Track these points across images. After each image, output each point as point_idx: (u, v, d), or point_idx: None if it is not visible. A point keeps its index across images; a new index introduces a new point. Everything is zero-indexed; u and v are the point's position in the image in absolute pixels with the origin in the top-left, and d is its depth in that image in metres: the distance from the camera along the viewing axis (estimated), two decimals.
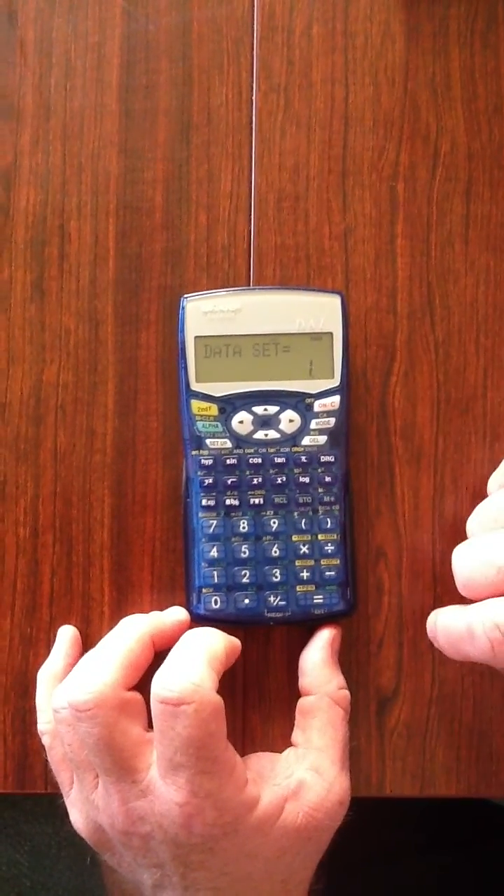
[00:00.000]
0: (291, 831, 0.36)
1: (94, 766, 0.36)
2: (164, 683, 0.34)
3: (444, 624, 0.35)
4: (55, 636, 0.41)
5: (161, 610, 0.41)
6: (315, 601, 0.40)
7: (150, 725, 0.36)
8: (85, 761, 0.37)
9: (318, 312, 0.40)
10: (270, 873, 0.36)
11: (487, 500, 0.38)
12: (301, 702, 0.40)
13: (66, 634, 0.41)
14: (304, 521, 0.40)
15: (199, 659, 0.35)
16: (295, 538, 0.40)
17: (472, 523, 0.37)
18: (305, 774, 0.37)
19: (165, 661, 0.36)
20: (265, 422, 0.40)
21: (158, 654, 0.38)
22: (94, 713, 0.35)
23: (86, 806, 0.38)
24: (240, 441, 0.40)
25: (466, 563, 0.35)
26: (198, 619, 0.40)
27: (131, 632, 0.38)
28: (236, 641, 0.38)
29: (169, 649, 0.37)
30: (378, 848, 0.59)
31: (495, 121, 0.43)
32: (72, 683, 0.36)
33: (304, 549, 0.40)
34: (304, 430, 0.40)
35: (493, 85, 0.43)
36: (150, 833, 0.35)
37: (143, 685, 0.37)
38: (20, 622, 0.42)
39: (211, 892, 0.36)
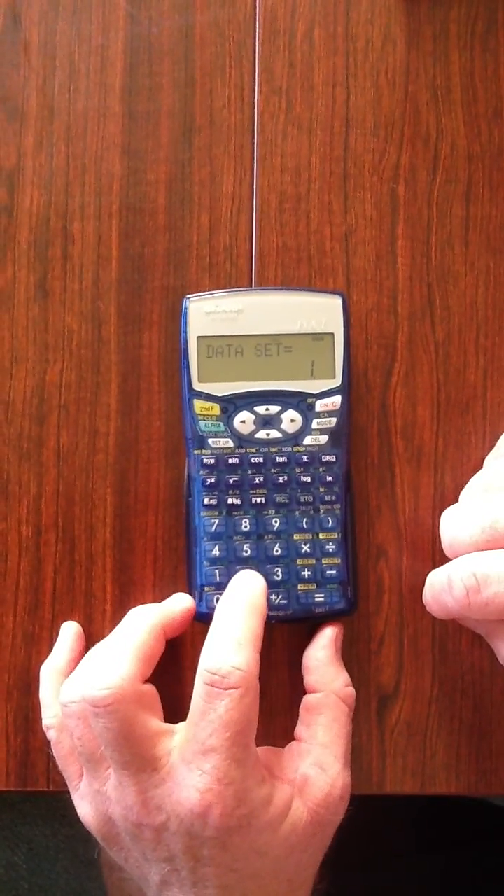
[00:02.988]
0: (299, 828, 0.36)
1: (108, 759, 0.36)
2: (214, 666, 0.34)
3: (431, 579, 0.37)
4: (58, 634, 0.42)
5: None
6: (316, 600, 0.40)
7: (164, 716, 0.37)
8: (97, 754, 0.37)
9: (320, 313, 0.40)
10: (277, 871, 0.36)
11: (481, 471, 0.39)
12: (306, 699, 0.40)
13: (70, 630, 0.41)
14: (305, 520, 0.40)
15: (247, 641, 0.35)
16: (296, 537, 0.40)
17: (465, 492, 0.39)
18: (309, 770, 0.37)
19: (210, 637, 0.36)
20: (267, 421, 0.40)
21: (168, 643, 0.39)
22: (113, 708, 0.35)
23: (97, 798, 0.37)
24: (242, 440, 0.40)
25: (453, 523, 0.36)
26: (200, 618, 0.40)
27: (143, 624, 0.38)
28: (264, 604, 0.38)
29: (177, 638, 0.37)
30: (378, 848, 0.59)
31: (495, 123, 0.44)
32: (87, 679, 0.36)
33: (306, 548, 0.40)
34: (305, 429, 0.40)
35: (493, 88, 0.44)
36: (165, 823, 0.35)
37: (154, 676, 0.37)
38: (23, 620, 0.42)
39: (219, 890, 0.36)
